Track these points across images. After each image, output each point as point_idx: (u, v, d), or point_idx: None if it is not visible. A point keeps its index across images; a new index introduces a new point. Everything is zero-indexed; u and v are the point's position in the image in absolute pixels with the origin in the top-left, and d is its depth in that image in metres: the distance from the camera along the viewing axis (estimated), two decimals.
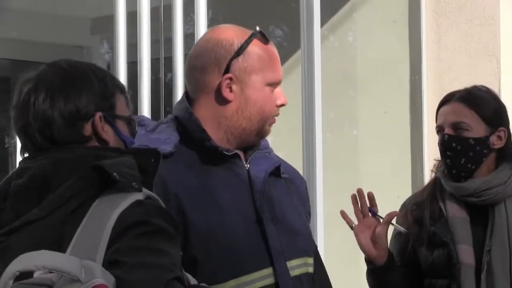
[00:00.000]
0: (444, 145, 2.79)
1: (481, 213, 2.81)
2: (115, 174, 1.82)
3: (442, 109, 2.87)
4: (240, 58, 2.30)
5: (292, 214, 2.38)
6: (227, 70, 2.30)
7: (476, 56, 4.77)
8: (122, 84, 2.06)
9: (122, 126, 2.00)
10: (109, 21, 3.94)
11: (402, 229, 2.85)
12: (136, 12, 3.94)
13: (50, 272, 1.73)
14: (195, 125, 2.31)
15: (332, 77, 4.87)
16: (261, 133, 2.35)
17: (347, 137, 5.23)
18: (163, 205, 1.91)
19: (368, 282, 2.87)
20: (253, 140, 2.36)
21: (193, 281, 1.96)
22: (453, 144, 2.77)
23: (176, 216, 2.18)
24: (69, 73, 1.97)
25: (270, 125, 2.36)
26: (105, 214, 1.80)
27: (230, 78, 2.30)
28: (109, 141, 1.97)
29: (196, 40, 4.02)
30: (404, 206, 2.94)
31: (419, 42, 4.96)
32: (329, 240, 4.43)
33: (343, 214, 2.81)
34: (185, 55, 4.03)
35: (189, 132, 2.31)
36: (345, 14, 5.20)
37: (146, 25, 3.95)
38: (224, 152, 2.30)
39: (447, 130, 2.79)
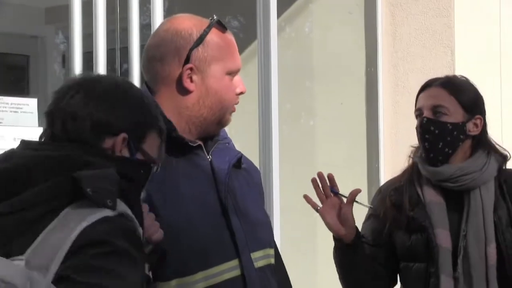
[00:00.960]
0: (423, 128, 2.83)
1: (456, 199, 2.86)
2: (88, 189, 1.79)
3: (423, 93, 2.91)
4: (200, 48, 2.30)
5: (253, 205, 2.38)
6: (187, 60, 2.29)
7: (431, 48, 4.80)
8: (163, 126, 2.04)
9: (141, 157, 1.99)
10: (64, 10, 3.91)
11: (366, 205, 2.90)
12: (91, 1, 3.91)
13: None
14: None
15: (288, 68, 4.88)
16: (222, 122, 2.35)
17: (304, 128, 5.24)
18: (135, 225, 1.86)
19: (335, 259, 2.91)
20: (214, 130, 2.35)
21: None
22: (431, 128, 2.82)
23: None
24: (120, 87, 1.98)
25: (230, 114, 2.36)
26: (70, 226, 1.77)
27: (191, 68, 2.29)
28: (119, 161, 1.95)
29: (152, 31, 4.01)
30: (380, 191, 3.00)
31: (374, 33, 4.99)
32: (285, 231, 4.44)
33: (306, 198, 2.82)
34: (141, 46, 4.02)
35: None
36: (302, 5, 5.21)
37: (102, 15, 3.92)
38: (189, 143, 2.29)
39: (426, 113, 2.84)
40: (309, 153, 5.19)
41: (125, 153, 1.96)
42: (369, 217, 2.97)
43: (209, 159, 2.33)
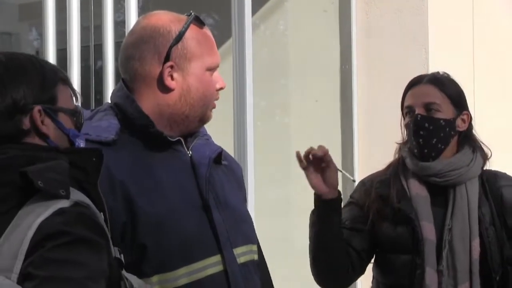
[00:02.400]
0: (417, 125, 2.87)
1: (440, 194, 2.91)
2: (39, 182, 1.78)
3: (412, 90, 2.95)
4: (179, 45, 2.28)
5: (234, 201, 2.38)
6: (167, 58, 2.27)
7: (405, 46, 4.83)
8: (66, 75, 2.01)
9: (65, 119, 1.96)
10: (38, 7, 3.91)
11: (349, 176, 2.99)
12: None
13: None
14: (137, 112, 2.27)
15: (263, 65, 4.89)
16: (204, 118, 2.34)
17: (279, 125, 5.25)
18: (92, 211, 1.85)
19: (310, 226, 2.95)
20: (196, 126, 2.34)
21: (136, 282, 1.95)
22: (425, 124, 2.86)
23: (123, 203, 2.18)
24: (7, 65, 1.93)
25: (211, 110, 2.35)
26: (27, 224, 1.76)
27: (171, 66, 2.27)
28: (49, 135, 1.93)
29: (127, 27, 4.04)
30: (364, 183, 3.02)
31: (349, 31, 5.01)
32: (259, 227, 4.43)
33: (298, 154, 2.84)
34: (116, 43, 4.02)
35: (131, 119, 2.28)
36: (276, 3, 5.23)
37: (76, 11, 3.91)
38: (169, 138, 2.28)
39: (419, 110, 2.89)
40: (284, 150, 5.19)
41: (48, 122, 1.92)
42: (349, 204, 3.01)
43: (189, 154, 2.32)
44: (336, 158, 5.06)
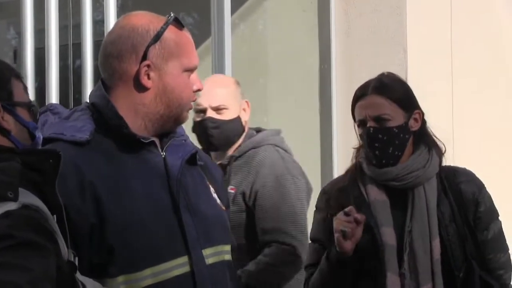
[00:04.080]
0: (371, 138, 2.85)
1: (399, 196, 2.89)
2: None
3: (360, 103, 2.92)
4: (157, 45, 2.27)
5: (207, 202, 2.36)
6: (144, 57, 2.26)
7: (384, 45, 4.83)
8: (17, 71, 2.00)
9: (23, 112, 1.96)
10: (16, 5, 3.89)
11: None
12: None
13: None
14: (112, 113, 2.27)
15: (242, 65, 4.89)
16: (179, 119, 2.33)
17: (258, 124, 5.22)
18: (41, 214, 1.83)
19: (321, 269, 2.86)
20: (171, 127, 2.34)
21: (91, 285, 1.94)
22: (379, 136, 2.84)
23: (92, 204, 2.17)
24: None
25: (188, 111, 2.35)
26: None
27: (148, 65, 2.27)
28: (10, 130, 1.92)
29: (105, 27, 4.04)
30: (325, 192, 2.99)
31: (328, 31, 5.00)
32: None
33: (351, 211, 2.76)
34: (95, 42, 4.02)
35: (106, 119, 2.28)
36: (256, 2, 5.24)
37: (54, 10, 3.91)
38: (141, 139, 2.27)
39: (371, 123, 2.86)
40: None
41: (8, 118, 1.92)
42: (314, 215, 2.97)
43: (163, 155, 2.31)
44: (315, 157, 5.06)
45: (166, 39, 2.28)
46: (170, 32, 2.29)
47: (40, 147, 2.05)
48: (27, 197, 1.81)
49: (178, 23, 2.31)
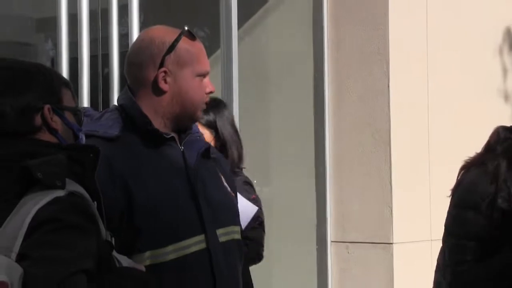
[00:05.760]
0: None
1: None
2: (38, 174, 1.77)
3: None
4: (172, 54, 2.30)
5: (219, 190, 2.39)
6: (161, 65, 2.29)
7: (369, 57, 4.81)
8: (67, 80, 2.03)
9: (69, 116, 1.97)
10: (53, 21, 3.91)
11: None
12: (76, 13, 3.91)
13: None
14: (137, 112, 2.30)
15: (247, 73, 4.88)
16: (193, 117, 2.36)
17: (260, 125, 5.26)
18: (85, 200, 1.84)
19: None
20: (187, 124, 2.36)
21: (125, 261, 1.94)
22: None
23: (121, 191, 2.20)
24: (18, 71, 1.94)
25: (201, 110, 2.36)
26: (27, 210, 1.75)
27: (165, 72, 2.29)
28: (58, 130, 1.93)
29: (130, 40, 4.01)
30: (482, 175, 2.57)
31: (321, 44, 4.99)
32: None
33: None
34: (120, 53, 4.01)
35: (133, 118, 2.31)
36: (259, 19, 5.20)
37: (86, 25, 3.92)
38: (164, 135, 2.30)
39: None
40: (264, 147, 5.21)
41: (56, 119, 1.93)
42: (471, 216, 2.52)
43: (182, 149, 2.34)
44: (309, 154, 5.05)
45: (180, 49, 2.30)
46: (183, 43, 2.31)
47: None
48: (73, 186, 1.82)
49: (191, 35, 2.34)
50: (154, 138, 2.31)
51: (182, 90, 2.32)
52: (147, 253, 2.21)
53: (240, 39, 4.70)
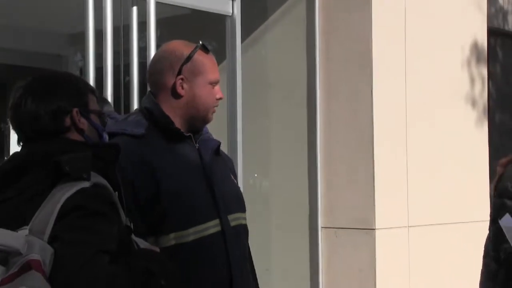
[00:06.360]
0: None
1: None
2: (67, 168, 1.79)
3: None
4: (189, 64, 2.31)
5: (229, 182, 2.42)
6: (179, 73, 2.31)
7: (355, 67, 4.80)
8: (93, 87, 2.06)
9: (94, 118, 1.99)
10: (81, 36, 3.91)
11: None
12: (101, 29, 3.92)
13: None
14: (160, 113, 2.32)
15: (250, 82, 4.89)
16: (206, 119, 2.37)
17: (261, 127, 5.26)
18: (108, 191, 1.85)
19: None
20: (200, 125, 2.37)
21: (142, 244, 1.94)
22: None
23: (150, 180, 2.21)
24: (51, 80, 1.97)
25: (212, 113, 2.38)
26: (57, 199, 1.77)
27: (182, 79, 2.31)
28: (84, 130, 1.95)
29: (147, 52, 4.02)
30: None
31: (313, 55, 4.98)
32: None
33: None
34: (140, 63, 4.01)
35: (156, 119, 2.32)
36: (260, 34, 5.20)
37: (110, 39, 3.92)
38: (184, 134, 2.32)
39: None
40: (264, 145, 5.21)
41: (83, 121, 1.95)
42: None
43: (197, 147, 2.36)
44: (303, 153, 5.02)
45: (195, 60, 2.32)
46: (198, 55, 2.33)
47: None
48: (97, 178, 1.83)
49: (205, 48, 2.35)
50: (174, 136, 2.32)
51: (196, 95, 2.33)
52: (172, 235, 2.21)
53: (243, 52, 4.69)
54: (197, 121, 2.35)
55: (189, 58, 2.31)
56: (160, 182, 2.22)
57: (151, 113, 2.33)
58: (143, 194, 2.19)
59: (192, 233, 2.23)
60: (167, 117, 2.30)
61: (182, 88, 2.31)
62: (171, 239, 2.21)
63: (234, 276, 2.28)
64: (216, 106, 2.39)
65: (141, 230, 2.11)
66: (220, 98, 2.38)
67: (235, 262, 2.29)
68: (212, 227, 2.27)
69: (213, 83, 2.35)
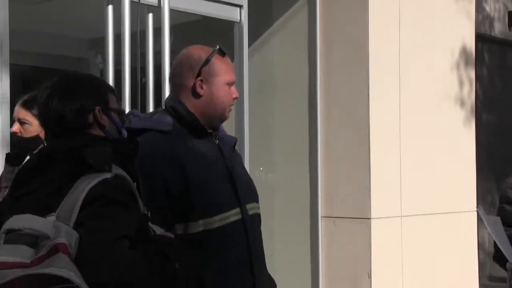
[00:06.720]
0: None
1: None
2: (90, 160, 1.81)
3: None
4: (207, 66, 2.32)
5: (245, 174, 2.43)
6: (199, 74, 2.32)
7: (353, 69, 4.79)
8: (113, 87, 2.07)
9: (114, 115, 2.00)
10: (101, 40, 3.92)
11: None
12: (120, 34, 3.92)
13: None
14: (185, 111, 2.32)
15: (256, 83, 4.90)
16: (223, 117, 2.37)
17: (265, 124, 5.27)
18: (127, 181, 1.86)
19: None
20: (218, 123, 2.38)
21: (158, 230, 1.96)
22: None
23: (179, 172, 2.21)
24: (75, 81, 1.98)
25: (228, 112, 2.38)
26: (81, 189, 1.78)
27: (201, 80, 2.32)
28: (105, 126, 1.96)
29: (162, 55, 4.02)
30: None
31: (315, 59, 4.97)
32: None
33: None
34: (155, 66, 4.01)
35: (181, 116, 2.32)
36: (265, 40, 5.20)
37: (128, 43, 3.91)
38: (207, 130, 2.33)
39: None
40: (269, 141, 5.21)
41: (104, 118, 1.96)
42: None
43: (217, 142, 2.36)
44: (304, 148, 5.04)
45: (213, 62, 2.32)
46: (216, 58, 2.33)
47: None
48: (117, 170, 1.84)
49: (222, 52, 2.36)
50: (198, 133, 2.32)
51: (214, 95, 2.33)
52: (200, 222, 2.22)
53: (250, 56, 4.69)
54: (215, 119, 2.35)
55: (207, 61, 2.32)
56: (189, 176, 2.22)
57: (177, 111, 2.33)
58: (174, 187, 2.20)
59: (217, 220, 2.24)
60: (193, 115, 2.30)
61: (202, 88, 2.32)
62: (200, 225, 2.22)
63: (254, 258, 2.30)
64: (232, 105, 2.39)
65: (171, 218, 2.14)
66: (236, 98, 2.38)
67: (254, 246, 2.31)
68: (233, 215, 2.28)
69: (230, 84, 2.36)
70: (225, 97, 2.34)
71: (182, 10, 4.28)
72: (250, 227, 2.31)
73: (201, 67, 2.31)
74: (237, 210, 2.29)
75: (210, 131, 2.34)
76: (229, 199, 2.28)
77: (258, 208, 2.41)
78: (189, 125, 2.31)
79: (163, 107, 2.41)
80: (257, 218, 2.38)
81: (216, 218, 2.24)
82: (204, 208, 2.23)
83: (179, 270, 1.87)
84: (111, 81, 3.83)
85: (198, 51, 2.35)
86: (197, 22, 4.84)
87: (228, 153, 2.35)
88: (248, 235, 2.29)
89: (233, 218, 2.27)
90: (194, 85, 2.31)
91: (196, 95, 2.32)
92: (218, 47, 2.36)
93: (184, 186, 2.21)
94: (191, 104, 2.32)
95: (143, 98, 4.04)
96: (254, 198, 2.40)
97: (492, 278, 8.39)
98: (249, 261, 2.29)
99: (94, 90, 1.96)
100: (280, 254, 5.01)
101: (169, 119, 2.32)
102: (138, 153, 1.96)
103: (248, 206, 2.33)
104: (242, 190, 2.32)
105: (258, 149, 4.93)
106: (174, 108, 2.34)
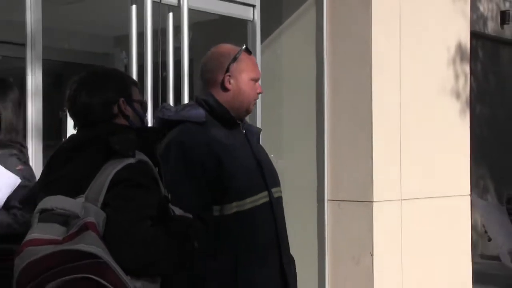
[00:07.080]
0: None
1: None
2: (116, 146, 1.81)
3: None
4: (235, 63, 2.33)
5: (268, 161, 2.43)
6: (227, 70, 2.32)
7: (357, 65, 4.78)
8: (136, 81, 2.08)
9: (137, 106, 2.00)
10: (126, 38, 3.93)
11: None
12: (143, 32, 3.92)
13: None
14: (217, 104, 2.32)
15: (268, 78, 4.88)
16: (248, 110, 2.38)
17: (276, 116, 5.26)
18: (149, 166, 1.87)
19: None
20: (243, 115, 2.38)
21: (177, 211, 1.95)
22: None
23: (215, 158, 2.21)
24: (101, 75, 2.00)
25: (253, 105, 2.38)
26: (108, 172, 1.79)
27: (229, 75, 2.32)
28: (129, 116, 1.97)
29: (181, 52, 4.02)
30: None
31: (322, 54, 4.94)
32: None
33: None
34: (175, 61, 4.01)
35: (213, 108, 2.32)
36: (275, 38, 5.19)
37: (150, 40, 3.91)
38: (238, 121, 2.34)
39: None
40: (280, 130, 5.20)
41: (128, 108, 1.96)
42: None
43: (244, 132, 2.38)
44: (311, 141, 5.00)
45: (240, 60, 2.33)
46: (243, 56, 2.35)
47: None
48: (140, 155, 1.86)
49: (248, 50, 2.38)
50: (228, 124, 2.33)
51: (241, 90, 2.33)
52: (234, 204, 2.23)
53: (262, 52, 4.68)
54: (241, 111, 2.36)
55: (235, 58, 2.32)
56: (224, 164, 2.23)
57: (209, 104, 2.33)
58: (211, 173, 2.20)
59: (248, 203, 2.25)
60: (224, 107, 2.31)
61: (229, 83, 2.32)
62: (233, 207, 2.23)
63: (280, 237, 2.33)
64: (256, 99, 2.39)
65: (208, 200, 2.16)
66: (260, 93, 2.38)
67: (280, 225, 2.34)
68: (262, 198, 2.29)
69: (254, 80, 2.36)
70: (250, 92, 2.34)
71: (200, 9, 4.27)
72: (276, 209, 2.33)
73: (229, 64, 2.32)
74: (265, 193, 2.30)
75: (239, 122, 2.35)
76: (258, 184, 2.29)
77: (281, 191, 2.42)
78: (221, 117, 2.32)
79: (194, 100, 2.40)
80: (280, 200, 2.39)
81: (247, 200, 2.25)
82: (237, 191, 2.24)
83: (198, 248, 1.87)
84: (134, 75, 3.84)
85: (227, 49, 2.35)
86: (214, 21, 4.83)
87: (254, 142, 2.36)
88: (275, 216, 2.31)
89: (261, 201, 2.28)
90: (223, 80, 2.32)
91: (225, 89, 2.32)
92: (244, 46, 2.36)
93: (220, 174, 2.21)
94: (220, 97, 2.33)
95: (164, 90, 4.04)
96: (277, 182, 2.41)
97: (483, 256, 8.41)
98: (276, 240, 2.32)
99: (119, 83, 1.97)
100: (289, 234, 5.00)
101: (201, 111, 2.31)
102: (177, 142, 1.98)
103: (273, 189, 2.34)
104: (268, 175, 2.33)
105: (270, 137, 4.92)
106: (206, 101, 2.34)
